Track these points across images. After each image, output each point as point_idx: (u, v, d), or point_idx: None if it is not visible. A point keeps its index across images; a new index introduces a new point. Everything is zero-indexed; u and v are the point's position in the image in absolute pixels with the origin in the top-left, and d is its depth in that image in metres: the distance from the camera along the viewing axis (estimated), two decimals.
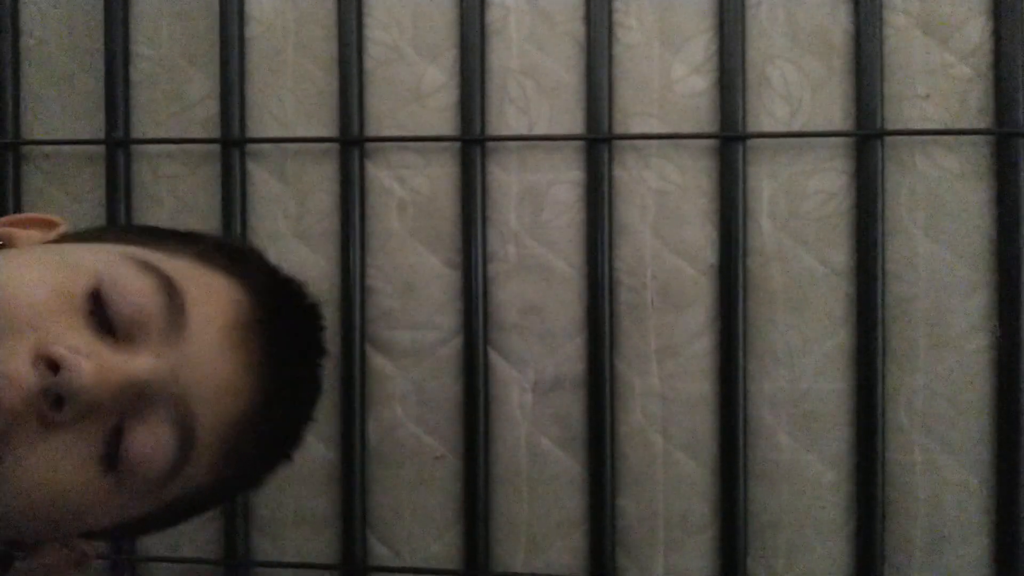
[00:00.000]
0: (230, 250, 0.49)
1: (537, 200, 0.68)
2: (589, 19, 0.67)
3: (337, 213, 0.70)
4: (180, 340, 0.41)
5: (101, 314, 0.40)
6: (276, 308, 0.46)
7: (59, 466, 0.38)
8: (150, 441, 0.40)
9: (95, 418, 0.39)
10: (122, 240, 0.46)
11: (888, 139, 0.64)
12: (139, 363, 0.39)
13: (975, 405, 0.65)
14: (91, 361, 0.38)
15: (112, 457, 0.40)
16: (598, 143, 0.67)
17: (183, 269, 0.44)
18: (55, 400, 0.37)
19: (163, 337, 0.41)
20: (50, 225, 0.48)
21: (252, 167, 0.71)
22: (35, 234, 0.47)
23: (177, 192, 0.72)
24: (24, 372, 0.36)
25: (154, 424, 0.40)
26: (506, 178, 0.69)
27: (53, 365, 0.37)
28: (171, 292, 0.41)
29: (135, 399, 0.40)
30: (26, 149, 0.73)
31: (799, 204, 0.66)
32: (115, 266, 0.41)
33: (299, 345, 0.49)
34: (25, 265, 0.41)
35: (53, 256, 0.43)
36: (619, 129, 0.67)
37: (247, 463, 0.47)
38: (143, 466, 0.40)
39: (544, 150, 0.68)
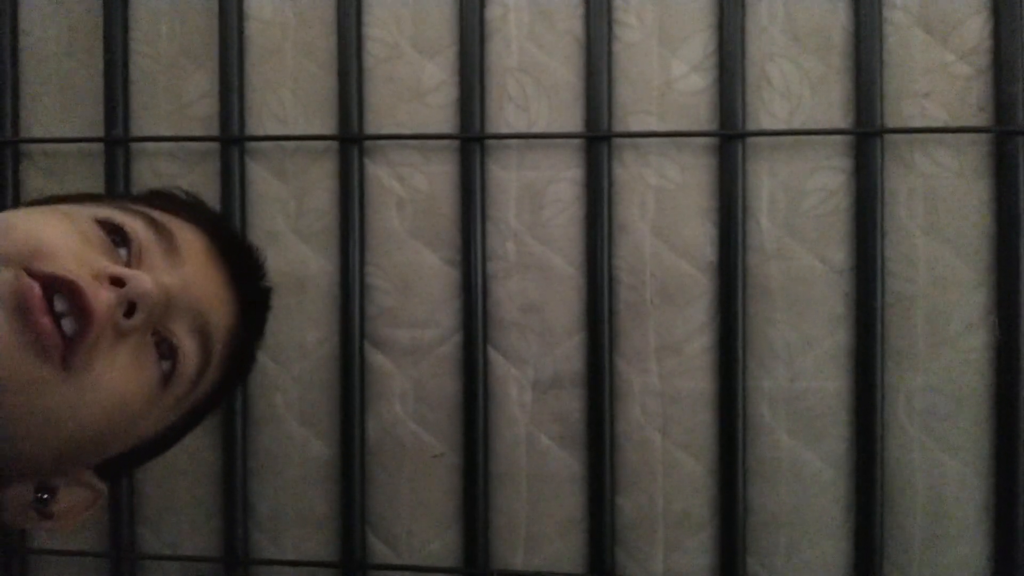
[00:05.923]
0: (174, 197, 0.55)
1: (536, 198, 0.68)
2: (588, 17, 0.67)
3: (336, 211, 0.70)
4: (179, 262, 0.47)
5: (112, 249, 0.45)
6: (229, 240, 0.52)
7: (132, 371, 0.43)
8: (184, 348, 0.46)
9: (146, 329, 0.44)
10: (90, 200, 0.50)
11: (887, 137, 0.64)
12: (167, 279, 0.45)
13: (974, 403, 0.65)
14: (144, 274, 0.43)
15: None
16: (597, 141, 0.67)
17: (152, 211, 0.49)
18: (128, 308, 0.42)
19: (167, 261, 0.46)
20: None
21: (251, 165, 0.71)
22: None
23: None
24: (100, 285, 0.41)
25: (183, 334, 0.46)
26: (505, 176, 0.69)
27: (117, 281, 0.42)
28: (157, 226, 0.47)
29: (165, 312, 0.45)
30: (25, 147, 0.73)
31: (798, 202, 0.66)
32: (108, 211, 0.46)
33: (255, 268, 0.55)
34: (37, 214, 0.45)
35: (52, 210, 0.46)
36: (618, 127, 0.67)
37: (230, 372, 0.52)
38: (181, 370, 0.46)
39: (543, 148, 0.68)
